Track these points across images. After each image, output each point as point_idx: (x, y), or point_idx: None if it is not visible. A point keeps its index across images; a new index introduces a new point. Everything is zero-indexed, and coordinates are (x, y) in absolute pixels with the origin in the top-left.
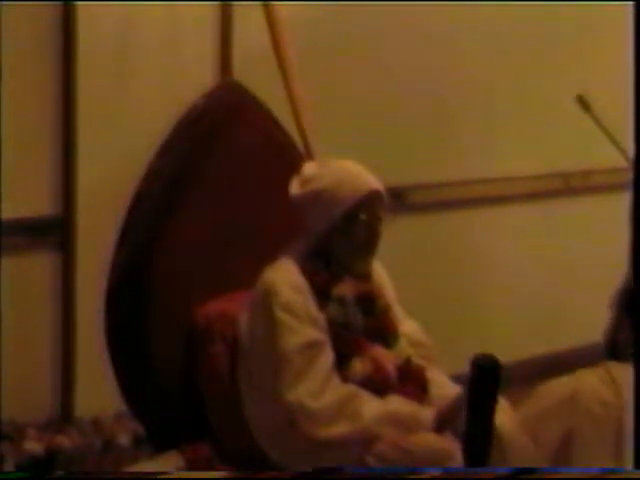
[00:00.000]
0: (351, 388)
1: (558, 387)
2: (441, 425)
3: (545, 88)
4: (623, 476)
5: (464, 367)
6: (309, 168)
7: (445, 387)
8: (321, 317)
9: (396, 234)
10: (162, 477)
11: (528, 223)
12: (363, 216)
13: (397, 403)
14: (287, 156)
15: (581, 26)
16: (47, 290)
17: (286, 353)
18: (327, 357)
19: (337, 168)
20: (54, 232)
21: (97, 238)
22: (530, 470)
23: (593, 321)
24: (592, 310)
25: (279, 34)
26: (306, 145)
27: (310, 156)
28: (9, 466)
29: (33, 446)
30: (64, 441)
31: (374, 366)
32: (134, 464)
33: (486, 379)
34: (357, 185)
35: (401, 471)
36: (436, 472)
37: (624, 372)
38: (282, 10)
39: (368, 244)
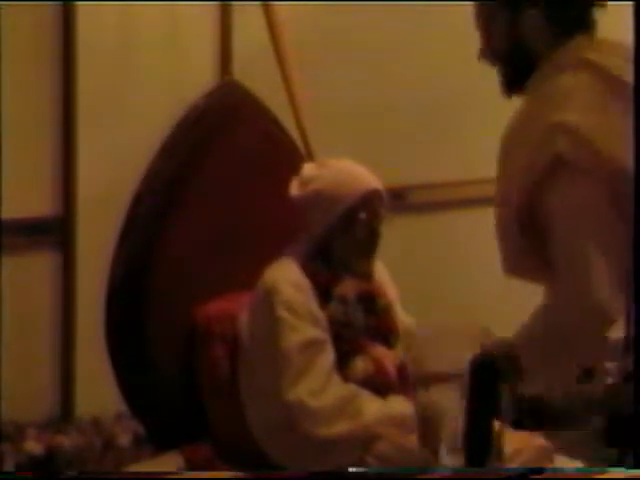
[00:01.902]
0: (352, 388)
1: None
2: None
3: None
4: (623, 476)
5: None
6: (308, 169)
7: None
8: (322, 316)
9: (396, 234)
10: (162, 477)
11: None
12: (363, 215)
13: (398, 403)
14: (287, 156)
15: None
16: (47, 290)
17: (287, 352)
18: (328, 356)
19: (336, 168)
20: (54, 232)
21: (97, 238)
22: (540, 470)
23: None
24: None
25: (279, 34)
26: (306, 145)
27: (310, 156)
28: (9, 466)
29: (33, 446)
30: (64, 441)
31: (375, 366)
32: (134, 464)
33: (486, 379)
34: (356, 184)
35: (409, 471)
36: (445, 472)
37: None
38: (282, 10)
39: (369, 243)
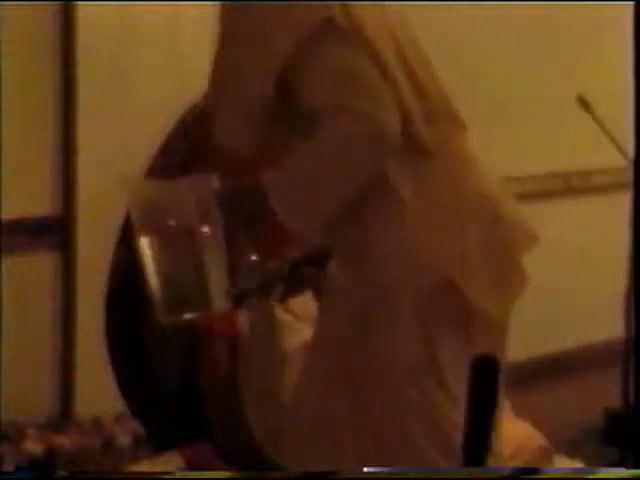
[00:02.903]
0: None
1: None
2: None
3: (545, 88)
4: (623, 476)
5: None
6: None
7: None
8: None
9: None
10: (162, 477)
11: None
12: None
13: None
14: None
15: (581, 26)
16: (47, 290)
17: (286, 353)
18: None
19: None
20: (54, 232)
21: (97, 238)
22: (532, 470)
23: (593, 321)
24: (592, 310)
25: None
26: None
27: None
28: (9, 466)
29: (33, 446)
30: (64, 441)
31: None
32: (134, 464)
33: (486, 379)
34: None
35: (401, 471)
36: (437, 472)
37: None
38: None
39: None
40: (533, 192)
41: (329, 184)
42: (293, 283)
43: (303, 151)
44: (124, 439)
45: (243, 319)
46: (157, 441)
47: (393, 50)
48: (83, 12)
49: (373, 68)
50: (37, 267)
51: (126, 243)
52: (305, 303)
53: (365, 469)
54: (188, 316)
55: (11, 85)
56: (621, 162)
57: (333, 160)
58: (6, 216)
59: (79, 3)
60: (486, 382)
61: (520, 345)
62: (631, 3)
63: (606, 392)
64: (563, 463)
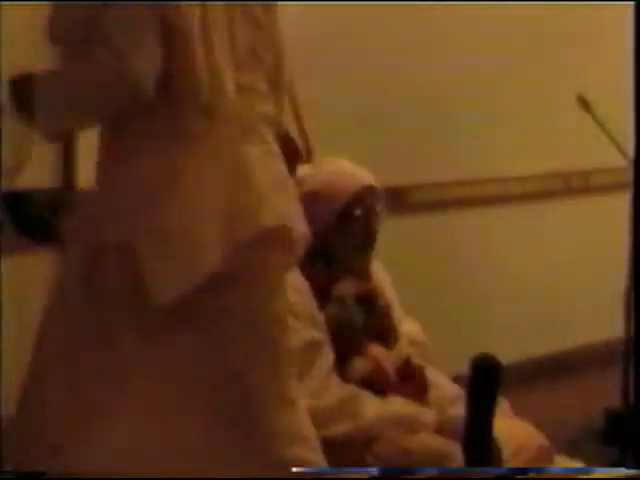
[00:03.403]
0: (352, 388)
1: None
2: None
3: (545, 88)
4: (623, 476)
5: (464, 367)
6: (302, 170)
7: (445, 387)
8: (321, 317)
9: (396, 234)
10: (163, 477)
11: (527, 223)
12: (358, 212)
13: (397, 403)
14: (287, 156)
15: (581, 26)
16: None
17: None
18: (327, 357)
19: (329, 167)
20: None
21: None
22: (531, 470)
23: (592, 321)
24: (591, 310)
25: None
26: (306, 145)
27: (310, 156)
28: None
29: None
30: None
31: (373, 366)
32: None
33: (486, 379)
34: (349, 182)
35: (401, 471)
36: (436, 472)
37: None
38: (282, 10)
39: (366, 239)
40: (533, 192)
41: (79, 103)
42: None
43: (67, 67)
44: None
45: None
46: None
47: (199, 16)
48: None
49: (155, 19)
50: (37, 267)
51: None
52: (307, 305)
53: (362, 469)
54: None
55: None
56: (621, 162)
57: (83, 83)
58: None
59: None
60: (486, 382)
61: (520, 345)
62: (631, 3)
63: (606, 392)
64: (563, 463)
